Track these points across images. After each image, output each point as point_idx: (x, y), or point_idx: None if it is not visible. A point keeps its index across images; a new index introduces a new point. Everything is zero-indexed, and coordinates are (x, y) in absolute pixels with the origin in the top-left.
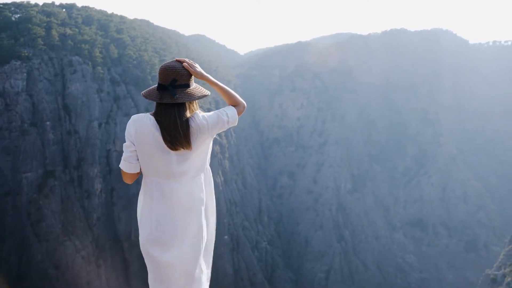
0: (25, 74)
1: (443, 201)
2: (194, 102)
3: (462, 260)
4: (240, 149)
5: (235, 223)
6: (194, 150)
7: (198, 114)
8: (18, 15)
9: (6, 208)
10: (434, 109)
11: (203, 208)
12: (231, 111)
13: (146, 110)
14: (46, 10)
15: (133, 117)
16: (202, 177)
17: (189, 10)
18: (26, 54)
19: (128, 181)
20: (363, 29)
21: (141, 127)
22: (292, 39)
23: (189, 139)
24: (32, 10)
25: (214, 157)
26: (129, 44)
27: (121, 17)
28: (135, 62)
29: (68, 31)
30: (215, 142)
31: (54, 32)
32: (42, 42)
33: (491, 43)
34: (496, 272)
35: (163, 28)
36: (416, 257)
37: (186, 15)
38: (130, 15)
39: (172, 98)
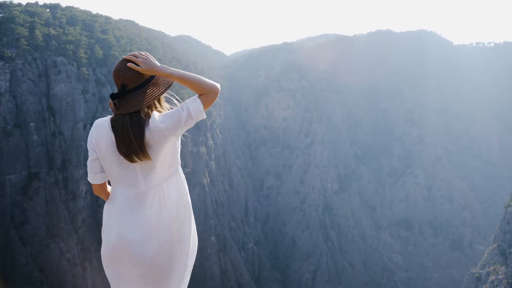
0: (8, 75)
1: (429, 200)
2: (160, 100)
3: (448, 259)
4: (227, 150)
5: (221, 224)
6: (157, 157)
7: (154, 117)
8: (1, 15)
9: None
10: (419, 109)
11: (174, 217)
12: (195, 104)
13: None
14: (30, 10)
15: (95, 122)
16: (172, 182)
17: (175, 10)
18: (9, 54)
19: (97, 193)
20: (349, 30)
21: (101, 133)
22: (278, 40)
23: (144, 150)
24: (15, 10)
25: (200, 158)
26: (114, 45)
27: (106, 18)
28: None
29: (52, 31)
30: (201, 143)
31: (38, 32)
32: (25, 43)
33: (474, 44)
34: (481, 271)
35: (149, 29)
36: (402, 257)
37: (172, 16)
38: (115, 15)
39: (122, 109)
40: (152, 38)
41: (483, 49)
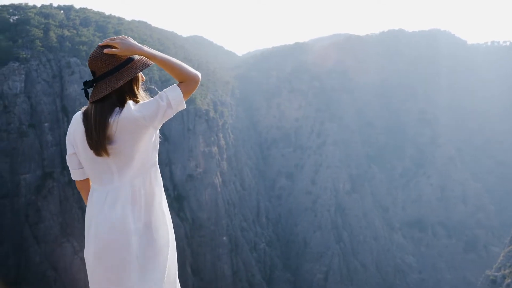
0: (23, 76)
1: (442, 201)
2: (134, 87)
3: (461, 260)
4: (238, 150)
5: (233, 224)
6: (133, 150)
7: (129, 106)
8: (16, 17)
9: (4, 210)
10: (432, 109)
11: (147, 213)
12: (174, 92)
13: None
14: (44, 12)
15: (75, 114)
16: (147, 177)
17: (187, 11)
18: (24, 55)
19: (79, 189)
20: (361, 30)
21: (76, 126)
22: (289, 40)
23: (103, 143)
24: (30, 12)
25: (212, 158)
26: None
27: (119, 19)
28: None
29: (66, 32)
30: (213, 143)
31: (52, 34)
32: (40, 44)
33: (489, 44)
34: (496, 273)
35: (161, 30)
36: (415, 258)
37: (184, 17)
38: (128, 16)
39: (91, 97)
40: (164, 39)
41: (498, 48)
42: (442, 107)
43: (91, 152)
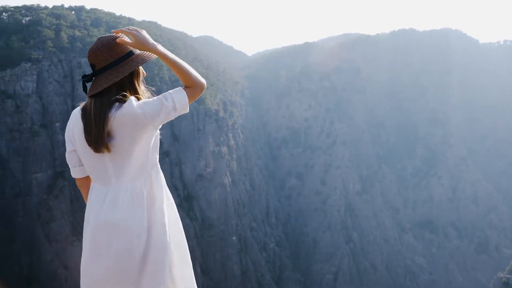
0: (35, 76)
1: (453, 202)
2: (135, 81)
3: (473, 262)
4: (248, 150)
5: (243, 224)
6: (132, 148)
7: (131, 101)
8: (29, 18)
9: (17, 209)
10: (443, 109)
11: (147, 217)
12: (180, 95)
13: None
14: (56, 13)
15: (74, 110)
16: (148, 179)
17: (197, 11)
18: (36, 56)
19: (79, 187)
20: (371, 29)
21: (75, 122)
22: (299, 40)
23: (103, 138)
24: (42, 13)
25: (222, 158)
26: None
27: (130, 19)
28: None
29: (77, 33)
30: (222, 143)
31: (63, 34)
32: (51, 44)
33: (502, 43)
34: (508, 276)
35: (171, 30)
36: (426, 259)
37: (194, 17)
38: (138, 16)
39: (90, 91)
40: (175, 39)
41: (510, 47)
42: (454, 107)
43: (89, 149)
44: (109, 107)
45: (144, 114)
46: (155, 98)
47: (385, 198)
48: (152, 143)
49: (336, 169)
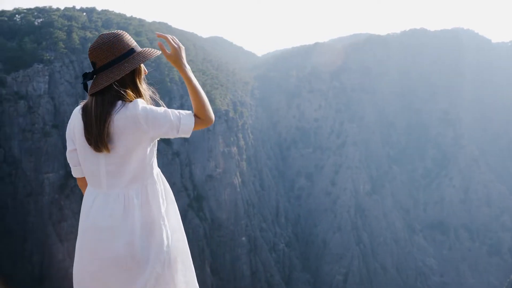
0: (47, 77)
1: (465, 203)
2: (136, 79)
3: (485, 264)
4: (258, 150)
5: (252, 224)
6: (127, 152)
7: (137, 103)
8: (41, 20)
9: (29, 208)
10: (455, 109)
11: (138, 229)
12: (188, 119)
13: None
14: (67, 14)
15: (75, 109)
16: (143, 189)
17: (207, 12)
18: (48, 57)
19: (80, 187)
20: (382, 29)
21: (76, 121)
22: (309, 40)
23: (103, 137)
24: (54, 15)
25: (232, 158)
26: (148, 47)
27: (140, 20)
28: (153, 64)
29: (88, 34)
30: (232, 143)
31: (74, 36)
32: (63, 46)
33: None
34: None
35: (181, 30)
36: (437, 261)
37: (204, 18)
38: (149, 18)
39: (90, 89)
40: (185, 40)
41: None
42: (466, 107)
43: (88, 149)
44: (111, 105)
45: (146, 119)
46: (163, 109)
47: (395, 199)
48: (147, 154)
49: (346, 170)
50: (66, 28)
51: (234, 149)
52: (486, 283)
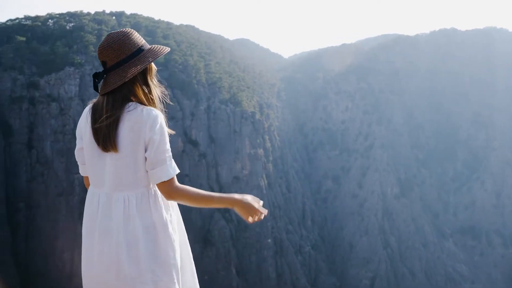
0: (78, 80)
1: (498, 208)
2: (148, 77)
3: None
4: (284, 152)
5: (278, 226)
6: (133, 154)
7: (151, 111)
8: (72, 24)
9: (60, 207)
10: (486, 111)
11: (135, 234)
12: (163, 174)
13: (191, 115)
14: (97, 18)
15: (85, 108)
16: (143, 198)
17: (233, 15)
18: (79, 60)
19: (87, 187)
20: (411, 30)
21: (85, 119)
22: (336, 42)
23: (113, 138)
24: (84, 19)
25: (258, 160)
26: (175, 49)
27: (168, 23)
28: (180, 66)
29: None
30: (259, 145)
31: None
32: (93, 49)
33: None
34: None
35: (208, 33)
36: (467, 267)
37: (230, 20)
38: (176, 21)
39: (102, 89)
40: (212, 42)
41: None
42: (498, 110)
43: (96, 148)
44: (122, 105)
45: (151, 128)
46: (168, 153)
47: (424, 202)
48: (142, 163)
49: (374, 172)
50: (96, 32)
51: (261, 151)
52: None
